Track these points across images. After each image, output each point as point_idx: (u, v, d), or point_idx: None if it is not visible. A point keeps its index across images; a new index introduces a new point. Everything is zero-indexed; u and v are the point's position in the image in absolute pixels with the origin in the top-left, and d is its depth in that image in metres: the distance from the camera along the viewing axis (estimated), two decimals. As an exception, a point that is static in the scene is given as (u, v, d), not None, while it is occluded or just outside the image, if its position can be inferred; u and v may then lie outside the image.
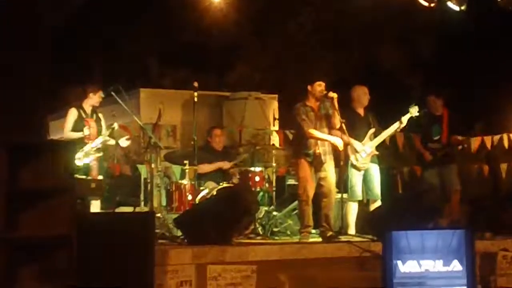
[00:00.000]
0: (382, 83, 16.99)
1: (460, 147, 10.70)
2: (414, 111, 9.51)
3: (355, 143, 9.17)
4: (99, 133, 9.45)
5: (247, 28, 17.79)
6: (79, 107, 9.55)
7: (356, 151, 9.18)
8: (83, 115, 9.50)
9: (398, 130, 9.65)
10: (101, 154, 9.40)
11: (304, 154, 8.64)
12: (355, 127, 9.23)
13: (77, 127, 9.43)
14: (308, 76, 9.41)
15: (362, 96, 9.42)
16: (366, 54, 18.05)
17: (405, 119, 9.43)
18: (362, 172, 9.28)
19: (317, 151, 8.63)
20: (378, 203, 9.34)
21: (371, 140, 9.29)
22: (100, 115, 9.71)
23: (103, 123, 9.67)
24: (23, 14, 5.72)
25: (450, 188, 10.14)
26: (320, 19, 17.89)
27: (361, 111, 9.44)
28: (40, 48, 5.85)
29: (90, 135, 9.34)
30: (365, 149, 9.22)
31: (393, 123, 9.46)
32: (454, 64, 17.17)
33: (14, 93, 5.68)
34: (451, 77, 16.86)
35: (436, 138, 10.28)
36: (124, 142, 9.74)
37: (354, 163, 9.17)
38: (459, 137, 10.34)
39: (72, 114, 9.48)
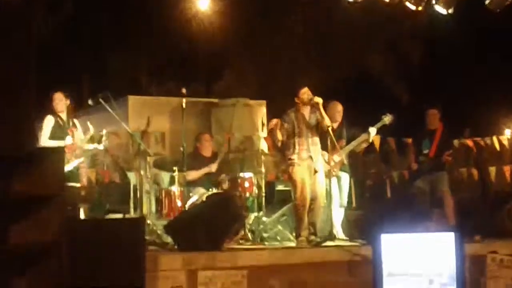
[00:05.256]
0: (370, 90, 17.09)
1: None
2: (388, 119, 9.78)
3: (324, 153, 9.26)
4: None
5: (235, 35, 17.78)
6: (55, 115, 9.24)
7: (325, 161, 9.28)
8: (61, 122, 9.23)
9: (369, 139, 9.76)
10: (82, 160, 9.19)
11: (295, 158, 8.71)
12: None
13: (55, 135, 9.15)
14: (296, 84, 9.49)
15: (335, 113, 9.65)
16: (355, 61, 18.08)
17: (373, 129, 9.61)
18: (336, 180, 9.42)
19: (308, 154, 8.70)
20: (342, 211, 9.48)
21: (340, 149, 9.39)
22: (76, 121, 9.43)
23: (79, 129, 9.35)
24: (11, 23, 5.70)
25: (441, 193, 10.17)
26: (308, 26, 17.90)
27: (334, 124, 9.53)
28: (28, 56, 5.83)
29: (74, 145, 9.08)
30: (333, 158, 9.29)
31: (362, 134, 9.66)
32: (440, 68, 17.24)
33: (3, 102, 5.66)
34: (438, 82, 16.95)
35: (425, 151, 10.33)
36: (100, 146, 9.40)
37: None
38: (449, 157, 10.37)
39: (49, 122, 9.19)
